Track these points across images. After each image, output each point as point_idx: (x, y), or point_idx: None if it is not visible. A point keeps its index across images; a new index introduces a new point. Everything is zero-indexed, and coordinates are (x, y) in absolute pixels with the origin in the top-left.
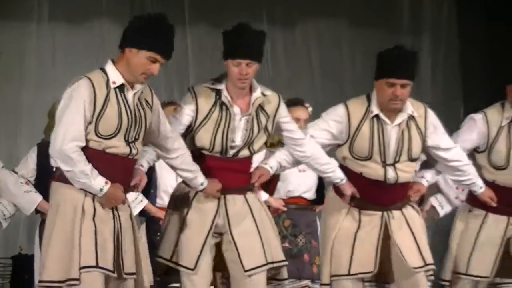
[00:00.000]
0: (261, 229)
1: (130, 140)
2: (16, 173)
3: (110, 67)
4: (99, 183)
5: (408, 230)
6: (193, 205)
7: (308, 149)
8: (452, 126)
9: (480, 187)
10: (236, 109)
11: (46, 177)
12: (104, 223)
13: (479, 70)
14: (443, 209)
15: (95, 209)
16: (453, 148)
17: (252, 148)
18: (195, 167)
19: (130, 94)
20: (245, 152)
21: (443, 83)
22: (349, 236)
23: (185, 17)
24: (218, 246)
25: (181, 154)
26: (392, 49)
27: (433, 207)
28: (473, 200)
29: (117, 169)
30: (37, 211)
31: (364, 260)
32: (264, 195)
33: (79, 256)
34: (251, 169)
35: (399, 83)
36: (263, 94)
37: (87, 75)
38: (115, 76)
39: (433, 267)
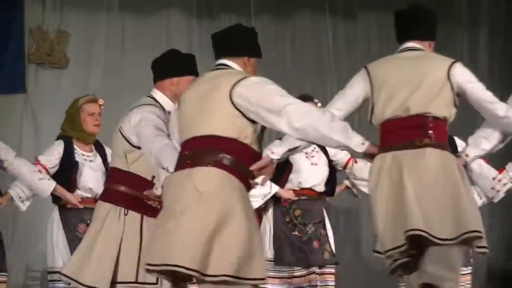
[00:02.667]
0: None
1: None
2: (39, 161)
3: None
4: None
5: None
6: None
7: None
8: None
9: None
10: None
11: (67, 169)
12: None
13: None
14: (481, 200)
15: None
16: None
17: None
18: None
19: None
20: None
21: (499, 76)
22: None
23: (250, 9)
24: None
25: None
26: None
27: None
28: None
29: None
30: (54, 199)
31: None
32: (274, 187)
33: None
34: None
35: None
36: None
37: None
38: None
39: None
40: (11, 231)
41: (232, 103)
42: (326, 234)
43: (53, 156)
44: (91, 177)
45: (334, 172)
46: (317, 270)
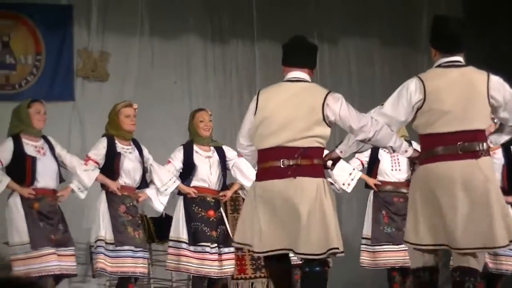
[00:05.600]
0: None
1: None
2: (89, 157)
3: None
4: None
5: None
6: None
7: None
8: None
9: None
10: None
11: (111, 159)
12: None
13: None
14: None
15: None
16: None
17: None
18: None
19: None
20: None
21: None
22: None
23: (254, 35)
24: None
25: None
26: None
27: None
28: None
29: None
30: (102, 185)
31: None
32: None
33: None
34: None
35: None
36: None
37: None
38: None
39: None
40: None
41: (489, 99)
42: None
43: (99, 150)
44: (129, 164)
45: None
46: None
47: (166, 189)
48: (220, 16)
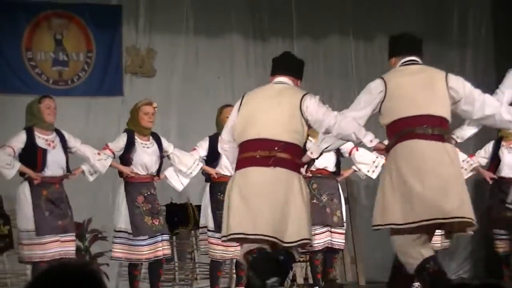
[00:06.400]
0: None
1: None
2: (108, 146)
3: None
4: None
5: None
6: None
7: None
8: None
9: None
10: None
11: (127, 151)
12: None
13: None
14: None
15: None
16: None
17: None
18: None
19: None
20: None
21: (482, 86)
22: None
23: (293, 33)
24: None
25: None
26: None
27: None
28: None
29: None
30: (119, 174)
31: None
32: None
33: None
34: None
35: None
36: None
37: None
38: None
39: None
40: (112, 196)
41: (448, 91)
42: (338, 203)
43: (118, 143)
44: (146, 158)
45: (339, 157)
46: (331, 229)
47: (191, 172)
48: (261, 15)
